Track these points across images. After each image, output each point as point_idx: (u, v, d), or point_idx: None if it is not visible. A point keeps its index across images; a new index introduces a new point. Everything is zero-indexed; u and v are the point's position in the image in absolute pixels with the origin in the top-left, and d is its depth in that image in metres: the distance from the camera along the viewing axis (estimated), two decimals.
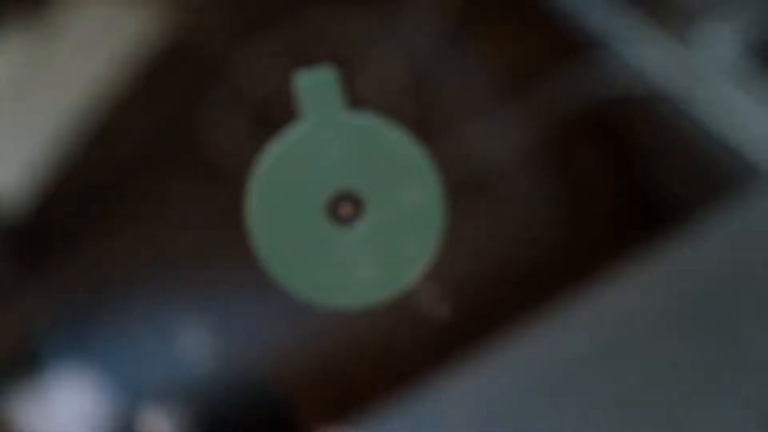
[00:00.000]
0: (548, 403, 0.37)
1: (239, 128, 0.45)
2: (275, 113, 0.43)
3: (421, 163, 0.23)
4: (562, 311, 0.39)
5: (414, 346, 0.40)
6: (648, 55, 0.53)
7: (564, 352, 0.39)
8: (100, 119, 0.52)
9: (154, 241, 0.49)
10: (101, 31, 0.56)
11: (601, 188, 0.50)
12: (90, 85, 0.54)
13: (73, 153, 0.52)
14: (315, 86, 0.23)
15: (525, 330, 0.37)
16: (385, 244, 0.23)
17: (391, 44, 0.51)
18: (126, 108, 0.53)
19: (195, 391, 0.43)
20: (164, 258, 0.49)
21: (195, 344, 0.44)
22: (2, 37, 0.54)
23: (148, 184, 0.51)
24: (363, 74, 0.44)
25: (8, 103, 0.54)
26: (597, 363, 0.40)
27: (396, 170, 0.23)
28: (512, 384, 0.37)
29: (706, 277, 0.43)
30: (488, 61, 0.54)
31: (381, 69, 0.47)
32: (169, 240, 0.49)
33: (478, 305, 0.41)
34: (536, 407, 0.37)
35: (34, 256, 0.47)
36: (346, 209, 0.23)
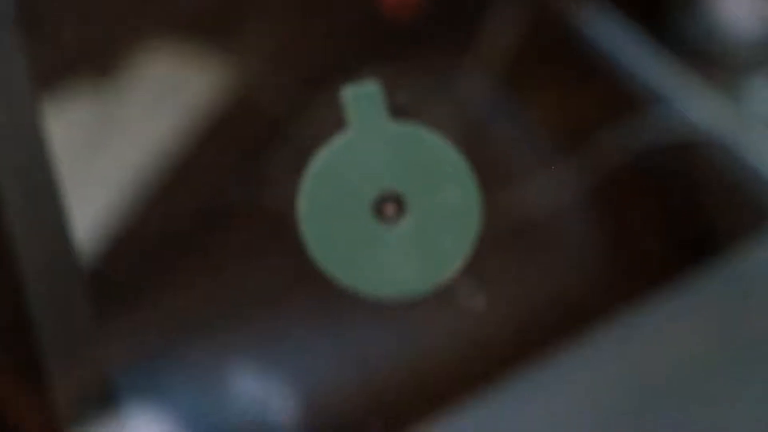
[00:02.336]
0: (590, 423, 0.38)
1: (299, 181, 0.47)
2: None
3: (459, 166, 0.25)
4: (602, 341, 0.40)
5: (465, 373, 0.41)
6: (696, 108, 0.55)
7: (606, 380, 0.40)
8: (167, 173, 0.55)
9: (222, 286, 0.51)
10: (167, 90, 0.59)
11: (650, 233, 0.51)
12: (157, 140, 0.57)
13: (144, 205, 0.54)
14: (360, 97, 0.25)
15: (566, 353, 0.39)
16: (425, 240, 0.25)
17: (446, 98, 0.53)
18: (191, 162, 0.56)
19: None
20: (233, 303, 0.51)
21: (265, 388, 0.46)
22: (73, 97, 0.58)
23: (215, 234, 0.53)
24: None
25: (81, 158, 0.57)
26: (635, 398, 0.41)
27: (435, 173, 0.25)
28: (550, 408, 0.38)
29: (751, 312, 0.44)
30: (540, 114, 0.56)
31: (435, 122, 0.50)
32: (237, 286, 0.51)
33: (524, 332, 0.42)
34: (579, 426, 0.38)
35: (109, 302, 0.49)
36: (389, 209, 0.25)
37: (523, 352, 0.39)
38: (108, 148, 0.57)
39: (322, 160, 0.25)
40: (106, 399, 0.42)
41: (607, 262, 0.49)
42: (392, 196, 0.25)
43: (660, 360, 0.41)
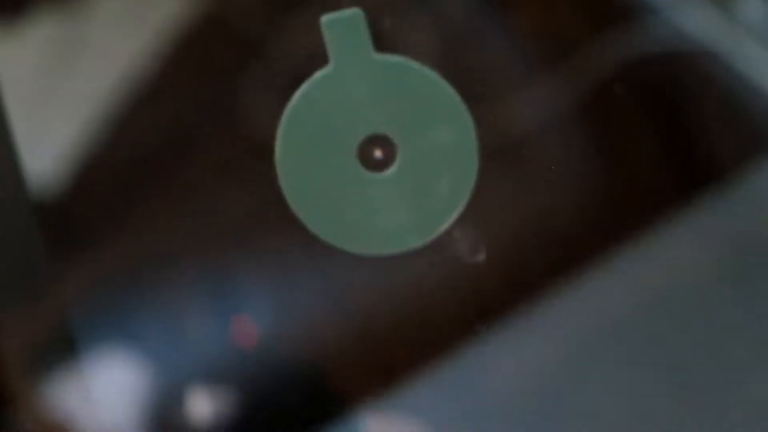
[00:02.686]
0: (592, 363, 0.37)
1: (276, 103, 0.44)
2: None
3: (453, 103, 0.22)
4: (604, 268, 0.38)
5: (453, 310, 0.39)
6: (688, 18, 0.53)
7: (605, 313, 0.38)
8: (134, 98, 0.52)
9: (191, 219, 0.49)
10: (134, 9, 0.56)
11: (644, 148, 0.49)
12: (124, 63, 0.54)
13: (108, 132, 0.52)
14: (341, 28, 0.22)
15: (564, 288, 0.37)
16: (418, 187, 0.22)
17: (424, 12, 0.51)
18: (160, 85, 0.53)
19: (237, 370, 0.43)
20: (202, 239, 0.49)
21: (237, 329, 0.44)
22: (34, 18, 0.55)
23: (185, 162, 0.51)
24: (396, 44, 0.43)
25: (42, 84, 0.54)
26: (638, 326, 0.39)
27: (427, 111, 0.22)
28: (552, 347, 0.36)
29: (753, 236, 0.42)
30: (527, 25, 0.53)
31: (414, 37, 0.47)
32: (207, 218, 0.49)
33: (515, 265, 0.40)
34: (580, 368, 0.37)
35: (70, 238, 0.47)
36: (377, 153, 0.22)
37: (519, 287, 0.37)
38: (71, 72, 0.55)
39: (299, 98, 0.22)
40: (65, 345, 0.40)
41: (600, 182, 0.47)
42: (380, 138, 0.23)
43: (663, 292, 0.39)
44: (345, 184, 0.22)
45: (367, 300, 0.41)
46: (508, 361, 0.36)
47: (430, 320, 0.39)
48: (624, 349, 0.39)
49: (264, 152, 0.35)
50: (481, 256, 0.27)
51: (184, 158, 0.51)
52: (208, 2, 0.54)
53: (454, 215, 0.23)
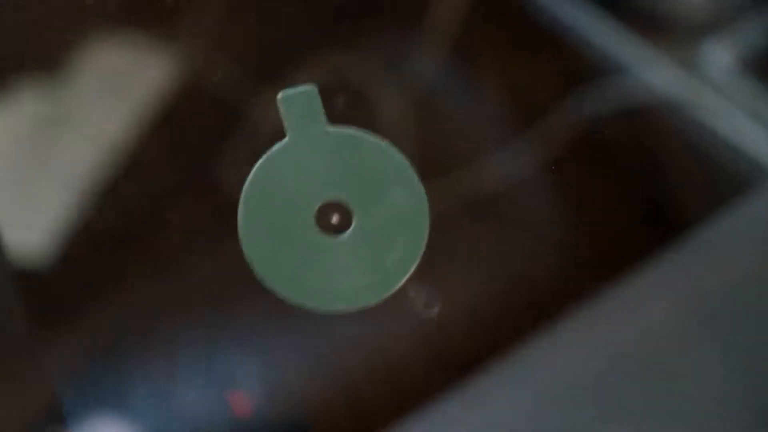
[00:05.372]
0: (560, 415, 0.38)
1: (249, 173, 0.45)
2: None
3: (403, 168, 0.24)
4: (573, 324, 0.39)
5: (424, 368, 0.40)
6: (651, 75, 0.54)
7: (575, 366, 0.39)
8: (116, 170, 0.54)
9: (175, 290, 0.50)
10: (114, 83, 0.57)
11: (613, 200, 0.50)
12: (107, 135, 0.55)
13: (91, 205, 0.53)
14: (297, 102, 0.24)
15: (533, 345, 0.38)
16: (375, 248, 0.24)
17: (396, 75, 0.52)
18: (141, 157, 0.54)
19: None
20: (185, 306, 0.49)
21: (220, 395, 0.44)
22: (17, 94, 0.56)
23: (167, 233, 0.52)
24: (369, 107, 0.45)
25: (26, 158, 0.55)
26: (608, 378, 0.40)
27: (379, 177, 0.24)
28: (518, 399, 0.37)
29: (719, 283, 0.43)
30: (493, 87, 0.54)
31: (386, 100, 0.48)
32: (190, 288, 0.50)
33: (486, 326, 0.41)
34: (547, 421, 0.37)
35: (55, 312, 0.48)
36: (334, 218, 0.24)
37: (490, 343, 0.38)
38: (53, 147, 0.56)
39: (259, 169, 0.24)
40: (56, 419, 0.40)
41: (572, 240, 0.48)
42: (336, 204, 0.24)
43: (632, 343, 0.40)
44: (304, 249, 0.24)
45: (345, 360, 0.42)
46: (480, 412, 0.37)
47: (400, 372, 0.40)
48: (597, 403, 0.39)
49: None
50: (435, 310, 0.28)
51: (162, 229, 0.52)
52: (184, 78, 0.56)
53: (409, 273, 0.24)
